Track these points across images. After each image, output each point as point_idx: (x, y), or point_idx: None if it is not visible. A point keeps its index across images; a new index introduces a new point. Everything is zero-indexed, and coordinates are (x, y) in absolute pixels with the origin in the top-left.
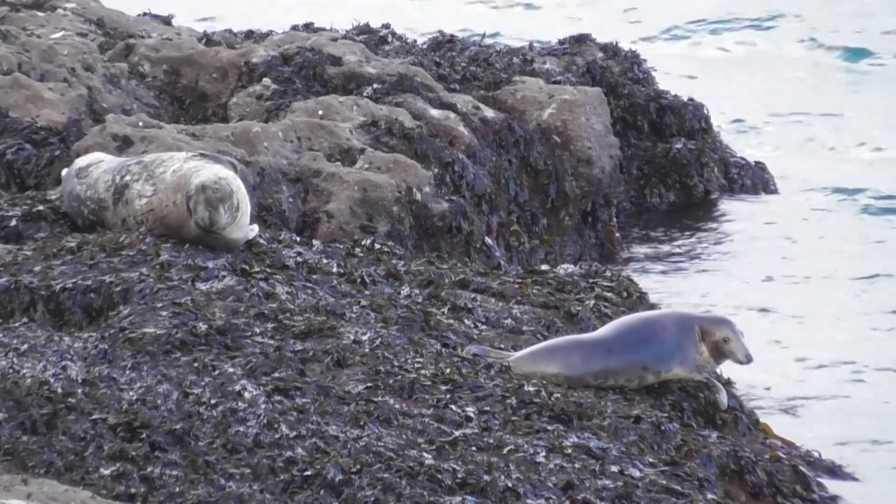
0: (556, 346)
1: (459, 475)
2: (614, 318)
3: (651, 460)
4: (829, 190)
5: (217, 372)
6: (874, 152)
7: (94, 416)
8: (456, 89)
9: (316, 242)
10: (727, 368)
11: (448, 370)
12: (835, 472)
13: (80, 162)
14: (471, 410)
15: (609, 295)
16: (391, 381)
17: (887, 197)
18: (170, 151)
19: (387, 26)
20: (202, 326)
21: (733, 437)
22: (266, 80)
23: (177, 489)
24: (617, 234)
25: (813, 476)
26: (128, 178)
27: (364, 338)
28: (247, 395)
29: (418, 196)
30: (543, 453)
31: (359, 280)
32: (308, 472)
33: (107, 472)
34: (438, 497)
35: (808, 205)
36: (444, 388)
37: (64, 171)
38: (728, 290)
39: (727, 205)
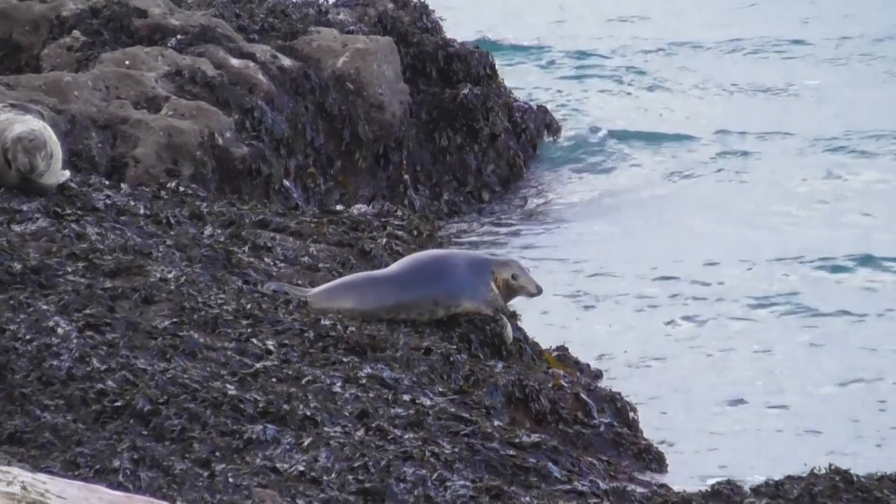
0: (351, 282)
1: (261, 405)
2: (405, 255)
3: (441, 389)
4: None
5: (31, 309)
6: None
7: None
8: (255, 40)
9: (124, 186)
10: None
11: (249, 306)
12: (614, 399)
13: None
14: (271, 344)
15: (400, 233)
16: (195, 317)
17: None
18: None
19: None
20: (17, 266)
21: (518, 367)
22: (76, 33)
23: None
24: (406, 176)
25: (593, 404)
26: None
27: (170, 276)
28: (60, 330)
29: (220, 141)
30: (340, 384)
31: (164, 221)
32: (118, 403)
33: None
34: (241, 426)
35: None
36: (245, 322)
37: None
38: (502, 228)
39: (510, 147)
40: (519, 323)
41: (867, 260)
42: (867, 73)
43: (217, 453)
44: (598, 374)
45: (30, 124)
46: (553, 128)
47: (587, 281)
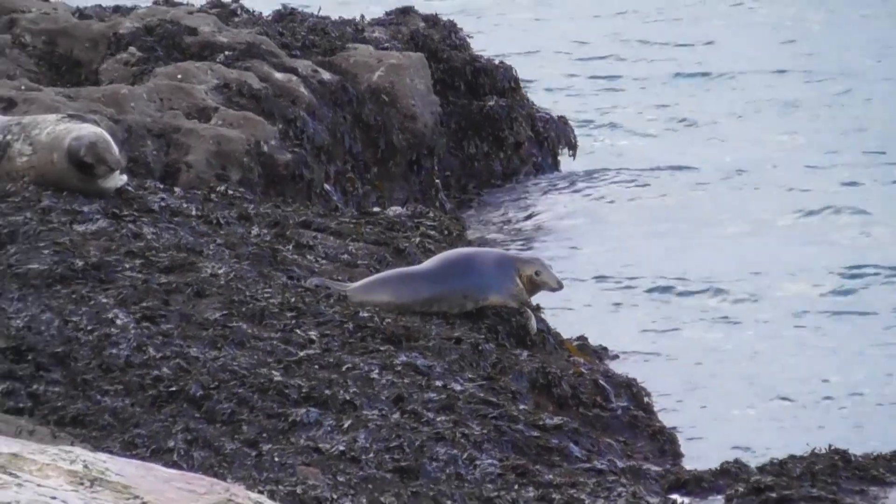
0: (388, 277)
1: (304, 390)
2: (437, 253)
3: (470, 376)
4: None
5: (92, 302)
6: None
7: None
8: (297, 55)
9: (177, 189)
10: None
11: (293, 299)
12: (630, 385)
13: None
14: (313, 334)
15: (432, 233)
16: (244, 309)
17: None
18: (45, 114)
19: (236, 1)
20: (79, 263)
21: (542, 355)
22: (132, 49)
23: (59, 404)
24: (437, 181)
25: (611, 389)
26: (9, 137)
27: (220, 272)
28: (119, 321)
29: (265, 148)
30: (377, 370)
31: (214, 222)
32: (173, 388)
33: None
34: (286, 409)
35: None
36: (289, 314)
37: None
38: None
39: (536, 155)
40: (542, 315)
41: None
42: None
43: (264, 434)
44: (615, 356)
45: (88, 128)
46: (571, 138)
47: (605, 279)
